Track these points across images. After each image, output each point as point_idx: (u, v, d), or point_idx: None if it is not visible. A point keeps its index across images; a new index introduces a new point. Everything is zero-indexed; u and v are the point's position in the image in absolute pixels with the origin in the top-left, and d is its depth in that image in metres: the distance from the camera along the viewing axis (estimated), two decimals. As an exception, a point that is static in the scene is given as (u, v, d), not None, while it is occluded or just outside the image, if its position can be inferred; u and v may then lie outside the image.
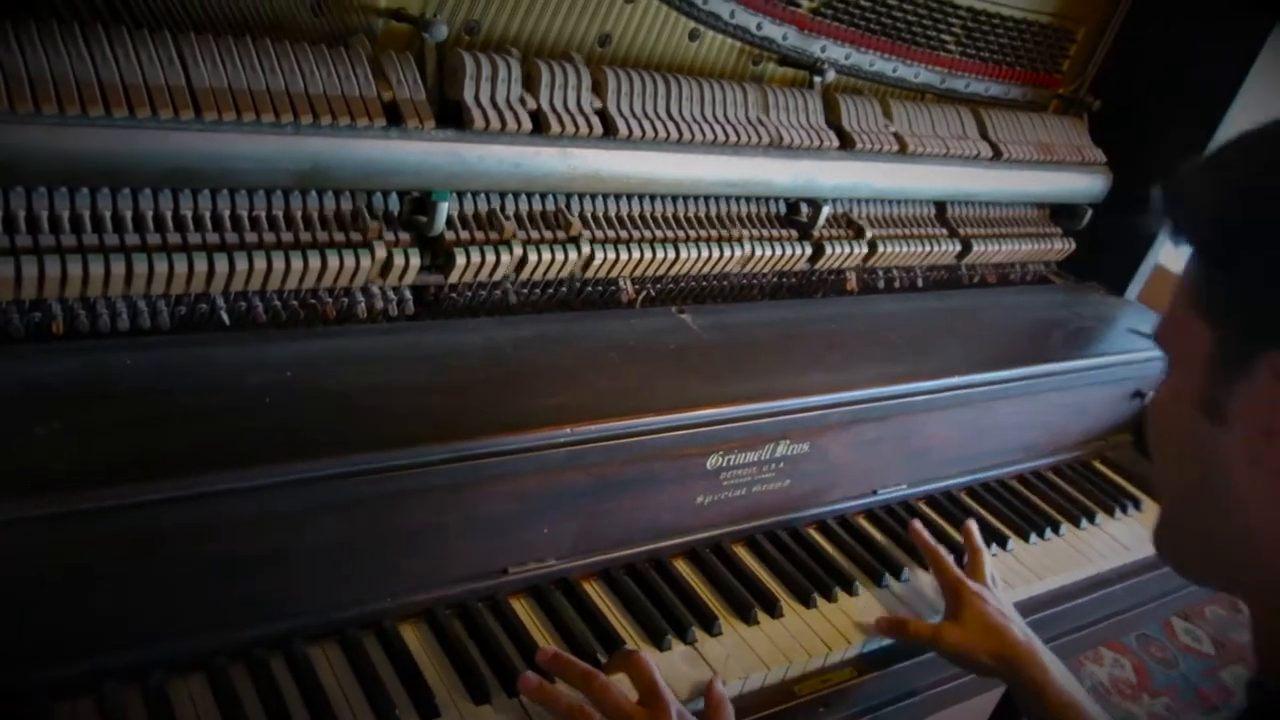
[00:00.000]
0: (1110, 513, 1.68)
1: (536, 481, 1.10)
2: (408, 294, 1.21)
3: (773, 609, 1.24)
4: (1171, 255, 2.04)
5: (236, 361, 1.03)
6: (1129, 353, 1.73)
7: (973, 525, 1.41)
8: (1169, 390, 0.74)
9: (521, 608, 1.14)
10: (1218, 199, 0.70)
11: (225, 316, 1.09)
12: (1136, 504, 1.72)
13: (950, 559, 1.33)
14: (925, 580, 1.37)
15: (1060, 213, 1.96)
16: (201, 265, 1.03)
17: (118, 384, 0.96)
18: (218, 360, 1.03)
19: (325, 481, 0.94)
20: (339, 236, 1.12)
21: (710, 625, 1.19)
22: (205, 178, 1.03)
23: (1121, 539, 1.63)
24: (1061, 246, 1.92)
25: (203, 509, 0.89)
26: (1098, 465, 1.82)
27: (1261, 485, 0.66)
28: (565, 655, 1.05)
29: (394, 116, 1.11)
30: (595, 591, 1.20)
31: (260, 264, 1.06)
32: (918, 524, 1.40)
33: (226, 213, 1.07)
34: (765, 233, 1.49)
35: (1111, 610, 1.59)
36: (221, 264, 1.04)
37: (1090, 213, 1.95)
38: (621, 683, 1.03)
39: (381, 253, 1.12)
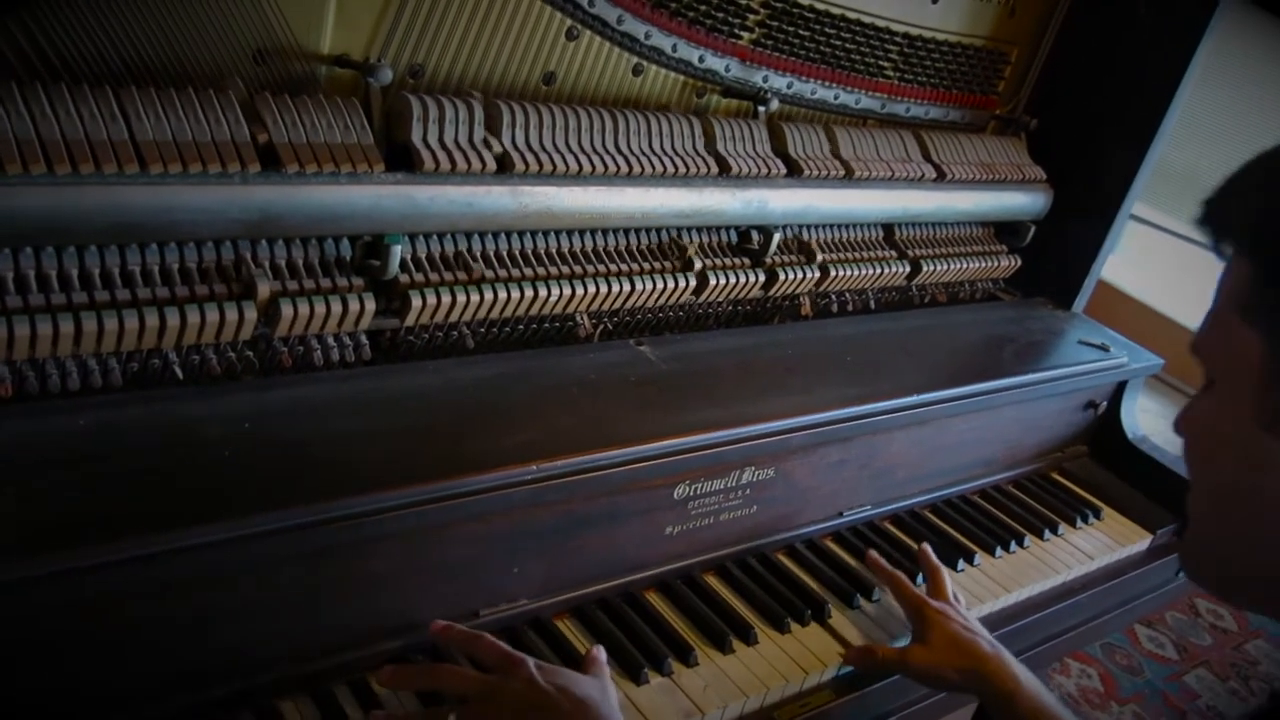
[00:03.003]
0: (1072, 523, 1.69)
1: (504, 521, 1.09)
2: (364, 339, 1.20)
3: (747, 636, 1.24)
4: (1112, 267, 2.08)
5: (193, 416, 1.02)
6: (1080, 364, 1.76)
7: (927, 547, 1.43)
8: (1211, 407, 0.72)
9: (495, 650, 1.13)
10: (1272, 206, 0.68)
11: (179, 371, 1.08)
12: (1097, 513, 1.74)
13: (909, 582, 1.34)
14: (894, 599, 1.38)
15: (1004, 230, 1.99)
16: (152, 320, 1.01)
17: (72, 445, 0.94)
18: (173, 415, 1.01)
19: (290, 532, 0.93)
20: (291, 285, 1.11)
21: (686, 656, 1.18)
22: (153, 231, 1.01)
23: (1084, 548, 1.64)
24: (1007, 263, 1.95)
25: (166, 567, 0.87)
26: (1056, 477, 1.84)
27: None
28: (399, 667, 1.05)
29: (343, 162, 1.11)
30: (569, 629, 1.18)
31: (212, 316, 1.04)
32: (873, 554, 1.41)
33: (175, 266, 1.06)
34: (719, 262, 1.49)
35: (1079, 619, 1.60)
36: (172, 318, 1.02)
37: (1033, 229, 1.98)
38: None
39: (336, 300, 1.12)
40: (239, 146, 1.04)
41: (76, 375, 1.01)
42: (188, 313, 1.03)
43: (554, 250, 1.34)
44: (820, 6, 1.57)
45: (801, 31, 1.57)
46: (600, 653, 1.10)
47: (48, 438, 0.94)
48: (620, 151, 1.34)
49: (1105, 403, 1.89)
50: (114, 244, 1.01)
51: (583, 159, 1.29)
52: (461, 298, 1.21)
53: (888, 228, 1.77)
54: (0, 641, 0.82)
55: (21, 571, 0.80)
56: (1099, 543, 1.67)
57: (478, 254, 1.26)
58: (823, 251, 1.64)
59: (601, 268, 1.36)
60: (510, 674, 1.00)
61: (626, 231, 1.41)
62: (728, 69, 1.52)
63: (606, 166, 1.32)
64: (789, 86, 1.61)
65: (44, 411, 0.98)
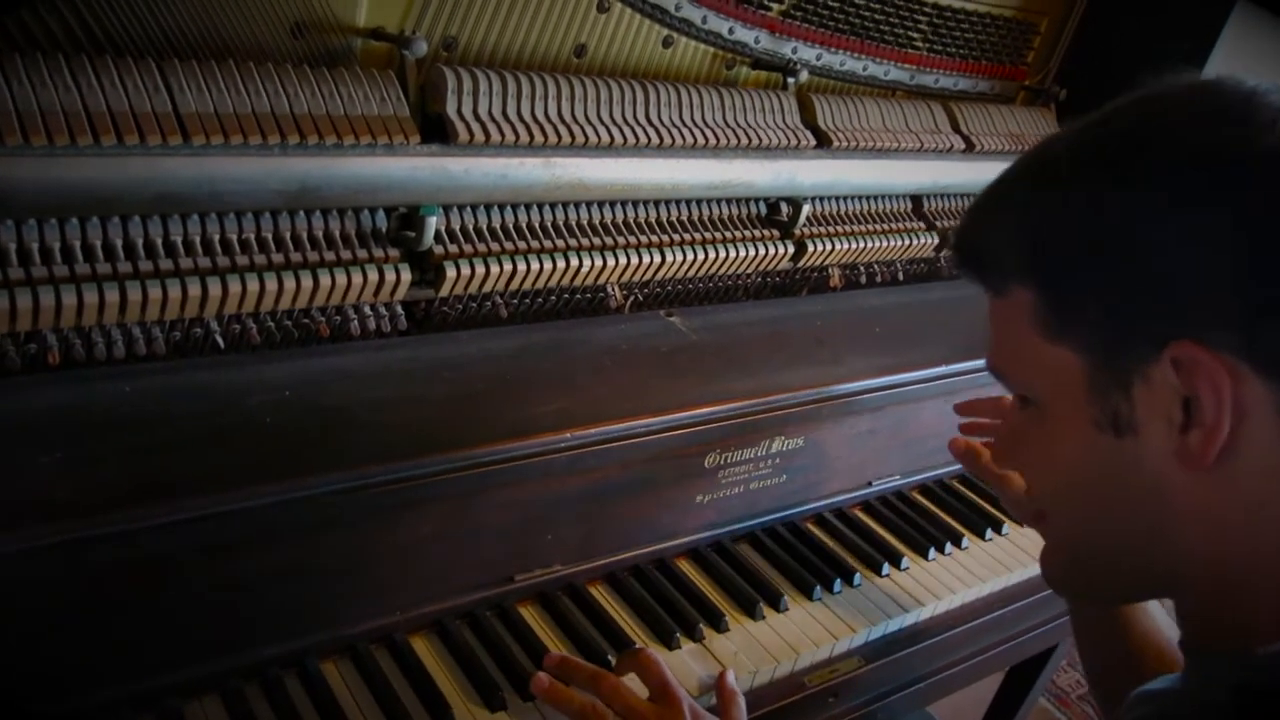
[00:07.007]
0: (1100, 494, 1.69)
1: (539, 488, 1.11)
2: (399, 310, 1.22)
3: (777, 603, 1.25)
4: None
5: (234, 384, 1.04)
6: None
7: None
8: (1053, 435, 0.72)
9: (530, 614, 1.15)
10: (1033, 226, 0.70)
11: (220, 340, 1.10)
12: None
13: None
14: (922, 568, 1.39)
15: (1033, 202, 1.98)
16: (194, 290, 1.03)
17: (118, 411, 0.96)
18: (216, 383, 1.04)
19: (331, 497, 0.95)
20: (329, 256, 1.13)
21: (717, 622, 1.20)
22: (195, 202, 1.03)
23: (1113, 519, 1.64)
24: (1036, 235, 1.94)
25: (211, 530, 0.89)
26: (1084, 448, 1.84)
27: (1188, 476, 0.64)
28: (572, 659, 1.06)
29: (379, 134, 1.12)
30: (601, 595, 1.20)
31: (252, 286, 1.06)
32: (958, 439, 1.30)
33: (216, 236, 1.07)
34: (748, 233, 1.50)
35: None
36: (214, 288, 1.04)
37: (1062, 201, 1.97)
38: (631, 682, 1.04)
39: (373, 271, 1.13)
40: (279, 119, 1.05)
41: (121, 343, 1.03)
42: (229, 282, 1.04)
43: (585, 222, 1.35)
44: (850, -23, 1.57)
45: (831, 2, 1.57)
46: (731, 678, 1.10)
47: (94, 404, 0.96)
48: (651, 123, 1.35)
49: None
50: (157, 214, 1.03)
51: (614, 131, 1.30)
52: (495, 269, 1.22)
53: (916, 199, 1.77)
54: (53, 601, 0.85)
55: (74, 533, 0.82)
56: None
57: (511, 225, 1.28)
58: (852, 223, 1.64)
59: (632, 239, 1.37)
60: (670, 710, 0.98)
61: (657, 203, 1.42)
62: (757, 41, 1.52)
63: (638, 138, 1.32)
64: (818, 58, 1.61)
65: (90, 378, 1.00)
